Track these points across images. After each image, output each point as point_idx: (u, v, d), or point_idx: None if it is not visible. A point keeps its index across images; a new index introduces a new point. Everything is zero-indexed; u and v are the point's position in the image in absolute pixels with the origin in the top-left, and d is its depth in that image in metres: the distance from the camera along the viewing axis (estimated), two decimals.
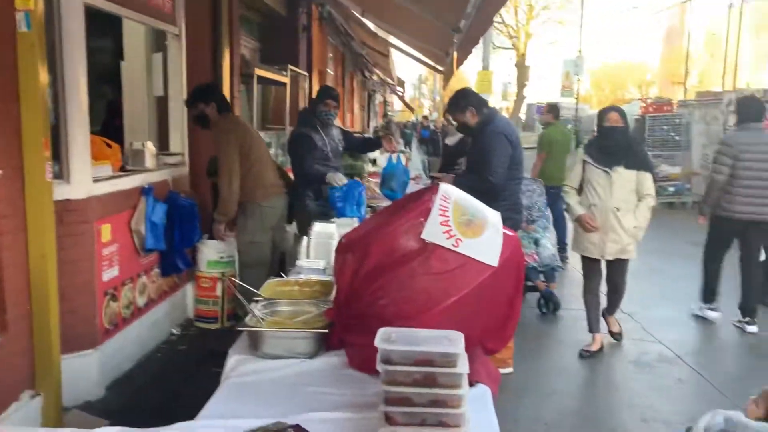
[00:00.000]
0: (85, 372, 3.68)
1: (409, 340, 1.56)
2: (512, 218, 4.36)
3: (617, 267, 4.76)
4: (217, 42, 5.72)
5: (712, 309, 5.66)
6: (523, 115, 47.16)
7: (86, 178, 3.65)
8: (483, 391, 1.99)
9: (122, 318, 4.15)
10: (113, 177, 4.05)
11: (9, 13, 2.91)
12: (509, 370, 4.32)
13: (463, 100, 4.42)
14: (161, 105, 5.50)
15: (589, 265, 4.84)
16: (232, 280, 2.47)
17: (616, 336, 5.02)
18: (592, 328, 4.82)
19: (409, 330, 1.64)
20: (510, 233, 2.18)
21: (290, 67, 8.20)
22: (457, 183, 4.21)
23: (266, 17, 9.11)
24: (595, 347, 4.80)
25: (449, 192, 2.16)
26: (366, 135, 6.09)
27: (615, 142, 4.49)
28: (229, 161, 4.35)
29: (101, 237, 3.83)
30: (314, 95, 5.11)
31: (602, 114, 4.60)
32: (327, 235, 3.86)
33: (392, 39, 10.74)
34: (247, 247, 4.55)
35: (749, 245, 5.33)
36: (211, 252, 5.02)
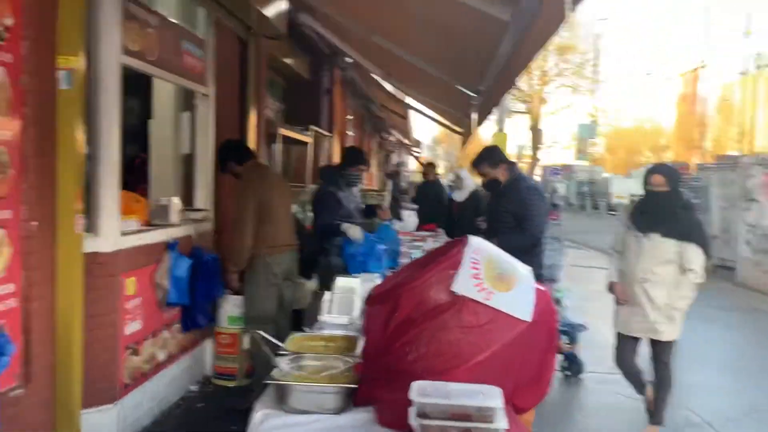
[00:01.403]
0: (103, 427, 3.63)
1: (444, 393, 1.53)
2: (538, 274, 4.35)
3: (653, 349, 4.20)
4: (244, 102, 5.88)
5: None
6: (537, 177, 47.46)
7: (115, 231, 3.71)
8: None
9: (141, 373, 4.12)
10: (140, 231, 4.11)
11: (51, 71, 3.04)
12: None
13: (498, 156, 4.52)
14: (186, 162, 5.62)
15: (619, 340, 4.33)
16: (259, 333, 2.45)
17: None
18: (639, 392, 4.43)
19: (443, 384, 1.62)
20: (541, 288, 2.17)
21: (313, 127, 8.37)
22: (502, 241, 4.23)
23: (290, 80, 9.39)
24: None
25: (479, 245, 2.17)
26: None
27: (654, 207, 4.02)
28: (243, 214, 4.39)
29: (126, 290, 3.85)
30: (340, 155, 5.23)
31: (646, 175, 4.14)
32: (350, 289, 3.85)
33: (410, 101, 10.98)
34: (252, 301, 4.52)
35: None
36: (231, 308, 5.01)
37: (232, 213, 4.56)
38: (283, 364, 2.32)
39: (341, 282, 3.58)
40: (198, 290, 4.74)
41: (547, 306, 2.13)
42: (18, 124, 2.82)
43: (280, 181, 4.86)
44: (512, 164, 4.56)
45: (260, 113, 6.34)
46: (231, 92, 5.70)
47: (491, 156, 4.48)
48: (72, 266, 3.13)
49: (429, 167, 9.60)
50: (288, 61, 8.31)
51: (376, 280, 4.09)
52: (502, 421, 1.44)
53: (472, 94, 5.80)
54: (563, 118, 53.34)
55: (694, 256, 3.89)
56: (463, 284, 2.01)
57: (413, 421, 1.47)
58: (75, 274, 3.14)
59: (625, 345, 4.28)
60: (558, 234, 7.13)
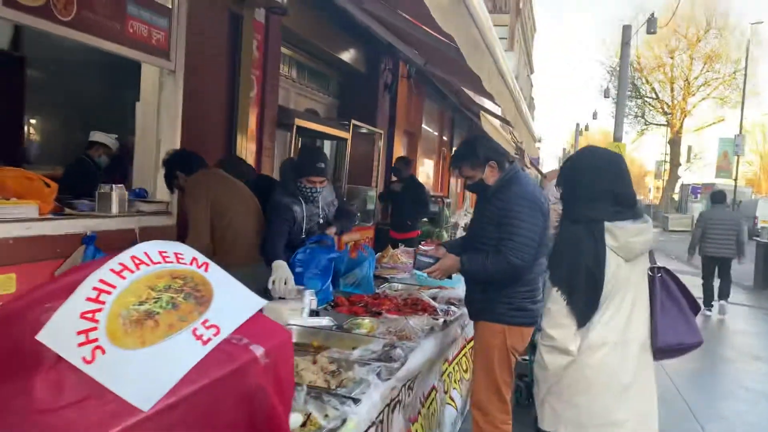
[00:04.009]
0: None
1: None
2: (527, 309, 3.22)
3: None
4: (234, 85, 5.20)
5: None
6: (676, 196, 43.66)
7: None
8: None
9: None
10: (36, 219, 3.49)
11: None
12: None
13: (483, 150, 3.26)
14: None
15: None
16: None
17: None
18: None
19: None
20: (241, 350, 1.19)
21: (354, 122, 7.58)
22: (471, 263, 3.20)
23: (345, 75, 8.69)
24: None
25: (146, 252, 1.25)
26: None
27: None
28: (197, 221, 3.75)
29: None
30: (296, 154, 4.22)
31: None
32: (276, 313, 3.05)
33: (476, 97, 9.86)
34: None
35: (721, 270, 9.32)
36: None
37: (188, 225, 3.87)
38: None
39: None
40: None
41: (243, 371, 1.15)
42: None
43: (233, 183, 4.10)
44: (506, 162, 3.37)
45: (266, 100, 5.64)
46: (214, 72, 5.04)
47: (472, 152, 3.27)
48: None
49: (400, 162, 7.95)
50: (335, 51, 7.59)
51: (304, 303, 3.21)
52: None
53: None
54: (714, 132, 48.52)
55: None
56: (58, 330, 1.10)
57: None
58: None
59: None
60: None
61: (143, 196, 4.70)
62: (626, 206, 2.48)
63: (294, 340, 2.93)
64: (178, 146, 4.59)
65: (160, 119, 4.86)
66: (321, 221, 4.01)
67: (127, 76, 5.49)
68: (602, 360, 2.36)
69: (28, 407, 1.05)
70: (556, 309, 2.39)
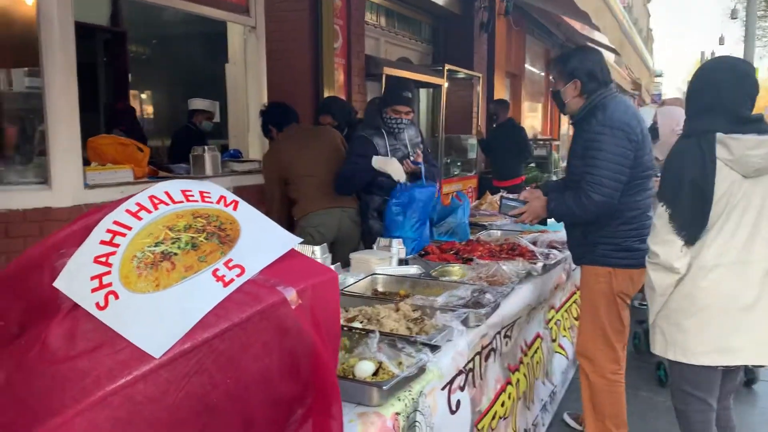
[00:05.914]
0: None
1: None
2: (635, 249, 2.89)
3: None
4: (316, 37, 5.08)
5: None
6: None
7: (73, 183, 3.24)
8: None
9: None
10: (130, 183, 3.60)
11: None
12: None
13: (574, 62, 2.80)
14: None
15: None
16: None
17: None
18: None
19: None
20: (268, 291, 1.07)
21: (449, 67, 7.27)
22: (556, 205, 2.93)
23: (437, 18, 8.35)
24: None
25: (167, 191, 1.16)
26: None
27: None
28: (268, 188, 3.96)
29: None
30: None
31: None
32: (364, 264, 2.97)
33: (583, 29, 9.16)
34: None
35: None
36: None
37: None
38: None
39: (357, 256, 2.89)
40: None
41: (273, 310, 1.04)
42: None
43: (305, 141, 3.96)
44: (600, 87, 2.91)
45: (352, 51, 5.50)
46: (296, 24, 4.95)
47: (564, 61, 2.85)
48: None
49: (496, 105, 7.40)
50: None
51: (396, 253, 3.10)
52: None
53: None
54: None
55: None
56: (71, 276, 1.03)
57: None
58: None
59: None
60: None
61: (238, 156, 4.75)
62: (748, 121, 2.17)
63: (380, 289, 2.82)
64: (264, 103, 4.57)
65: (247, 78, 4.87)
66: (413, 154, 3.84)
67: (224, 41, 5.54)
68: (715, 281, 2.15)
69: (42, 357, 1.00)
70: (661, 224, 2.21)
